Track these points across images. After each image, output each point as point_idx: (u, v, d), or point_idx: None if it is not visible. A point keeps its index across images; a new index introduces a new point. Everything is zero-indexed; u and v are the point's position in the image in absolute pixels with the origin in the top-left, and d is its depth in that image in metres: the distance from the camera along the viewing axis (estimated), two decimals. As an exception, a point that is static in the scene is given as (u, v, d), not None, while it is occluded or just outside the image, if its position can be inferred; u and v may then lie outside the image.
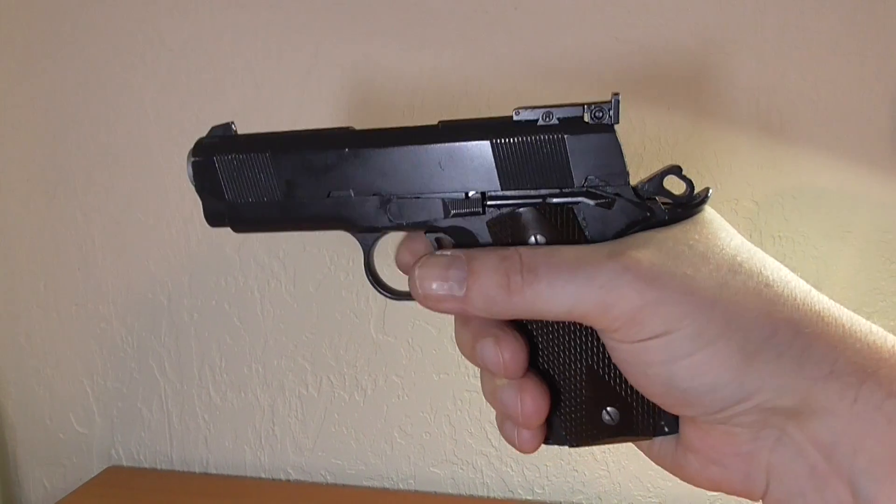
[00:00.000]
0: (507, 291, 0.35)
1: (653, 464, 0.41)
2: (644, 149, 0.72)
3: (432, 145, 0.39)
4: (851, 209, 0.70)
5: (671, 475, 0.40)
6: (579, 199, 0.38)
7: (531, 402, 0.37)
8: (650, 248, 0.34)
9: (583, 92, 0.72)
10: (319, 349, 0.85)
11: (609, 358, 0.38)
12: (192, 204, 0.85)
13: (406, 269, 0.42)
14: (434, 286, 0.37)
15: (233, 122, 0.43)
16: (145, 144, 0.85)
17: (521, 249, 0.37)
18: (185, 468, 0.92)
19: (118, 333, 0.91)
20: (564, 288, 0.34)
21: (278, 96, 0.80)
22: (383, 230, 0.42)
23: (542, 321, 0.38)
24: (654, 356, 0.33)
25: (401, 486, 0.86)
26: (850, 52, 0.67)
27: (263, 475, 0.90)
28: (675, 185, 0.38)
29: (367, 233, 0.42)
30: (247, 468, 0.90)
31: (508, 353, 0.37)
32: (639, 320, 0.33)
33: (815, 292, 0.34)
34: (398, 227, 0.41)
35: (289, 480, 0.89)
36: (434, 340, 0.81)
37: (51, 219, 0.90)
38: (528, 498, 0.83)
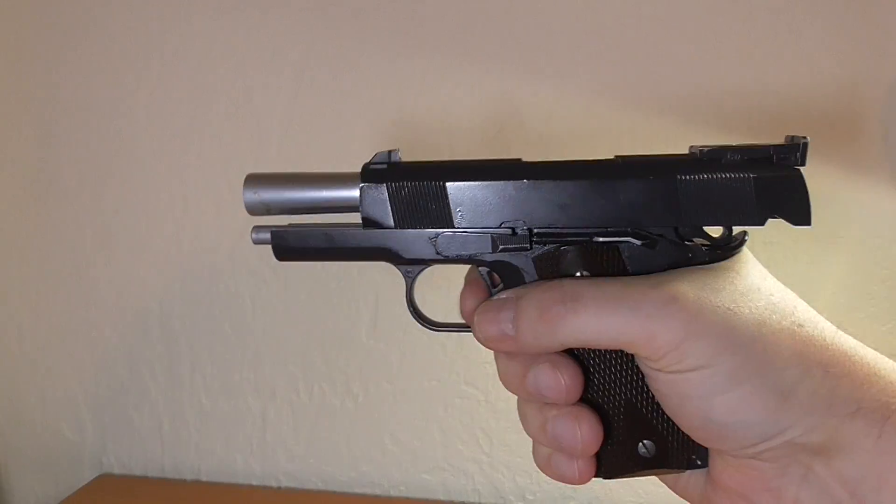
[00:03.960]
0: (550, 322, 0.36)
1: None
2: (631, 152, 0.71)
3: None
4: (842, 213, 0.70)
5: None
6: (625, 238, 0.39)
7: (589, 428, 0.38)
8: (694, 283, 0.36)
9: (576, 95, 0.72)
10: (311, 356, 0.84)
11: (648, 391, 0.38)
12: (184, 210, 0.84)
13: (468, 315, 0.43)
14: (491, 329, 0.39)
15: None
16: (137, 149, 0.85)
17: (565, 280, 0.38)
18: (177, 475, 0.92)
19: (109, 340, 0.90)
20: (611, 317, 0.35)
21: (269, 100, 0.80)
22: (429, 263, 0.42)
23: (583, 352, 0.39)
24: (692, 389, 0.34)
25: (392, 493, 0.86)
26: (841, 54, 0.67)
27: (255, 482, 0.90)
28: (714, 228, 0.39)
29: (412, 265, 0.43)
30: (238, 475, 0.90)
31: (568, 376, 0.38)
32: (681, 350, 0.34)
33: (841, 333, 0.36)
34: (444, 261, 0.42)
35: (280, 488, 0.89)
36: (425, 347, 0.81)
37: (42, 224, 0.90)
38: (520, 505, 0.82)
